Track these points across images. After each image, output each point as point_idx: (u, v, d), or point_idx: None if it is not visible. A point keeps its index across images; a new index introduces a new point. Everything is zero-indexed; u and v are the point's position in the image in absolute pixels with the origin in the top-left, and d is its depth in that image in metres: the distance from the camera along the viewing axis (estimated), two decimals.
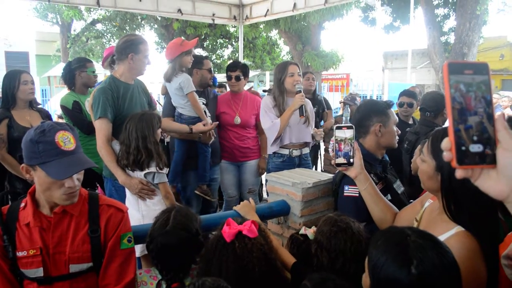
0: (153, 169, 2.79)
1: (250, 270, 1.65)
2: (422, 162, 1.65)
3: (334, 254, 1.71)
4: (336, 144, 2.08)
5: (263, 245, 1.75)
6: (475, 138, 0.82)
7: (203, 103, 3.90)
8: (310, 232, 2.09)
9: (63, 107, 3.79)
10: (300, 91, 3.52)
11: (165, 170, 2.86)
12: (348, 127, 2.08)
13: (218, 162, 4.15)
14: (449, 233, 1.48)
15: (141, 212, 2.86)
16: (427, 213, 1.76)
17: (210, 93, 4.13)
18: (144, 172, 2.80)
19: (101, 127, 2.92)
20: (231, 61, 23.27)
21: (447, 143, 0.84)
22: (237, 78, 4.06)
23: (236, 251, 1.69)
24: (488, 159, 0.82)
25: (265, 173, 3.99)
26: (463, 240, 1.43)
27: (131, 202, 2.88)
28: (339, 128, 2.08)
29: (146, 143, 2.78)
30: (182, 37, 4.02)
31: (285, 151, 3.67)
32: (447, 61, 0.85)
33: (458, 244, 1.42)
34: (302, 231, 2.11)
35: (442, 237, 1.47)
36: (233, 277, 1.59)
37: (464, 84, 0.83)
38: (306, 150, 3.78)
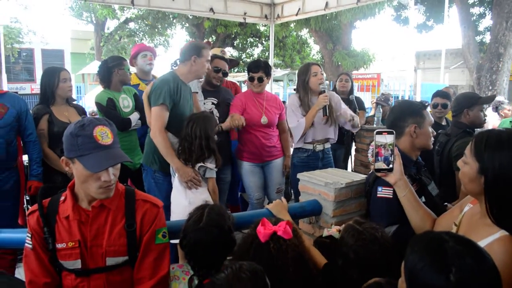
0: (209, 165, 3.06)
1: (284, 271, 1.66)
2: (464, 165, 1.60)
3: (363, 267, 1.69)
4: (376, 149, 2.05)
5: (297, 246, 1.75)
6: None
7: (213, 103, 3.91)
8: (334, 231, 2.07)
9: (97, 104, 3.88)
10: (324, 91, 3.69)
11: (216, 169, 3.11)
12: (389, 132, 2.05)
13: (229, 163, 4.09)
14: (492, 237, 1.45)
15: (188, 199, 3.04)
16: (467, 218, 1.71)
17: (224, 93, 4.09)
18: (199, 165, 3.03)
19: (160, 114, 3.08)
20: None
21: None
22: (260, 80, 3.95)
23: (270, 251, 1.70)
24: None
25: (290, 169, 4.09)
26: (507, 245, 1.40)
27: (179, 190, 3.10)
28: (379, 133, 2.05)
29: (209, 142, 3.04)
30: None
31: (309, 146, 3.89)
32: None
33: (502, 248, 1.39)
34: (325, 234, 2.10)
35: (485, 241, 1.44)
36: (267, 276, 1.59)
37: None
38: (328, 145, 4.01)
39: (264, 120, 3.95)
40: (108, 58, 4.16)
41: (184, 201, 3.04)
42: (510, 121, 6.04)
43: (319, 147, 3.89)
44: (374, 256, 1.68)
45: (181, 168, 3.02)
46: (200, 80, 3.93)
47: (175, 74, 3.25)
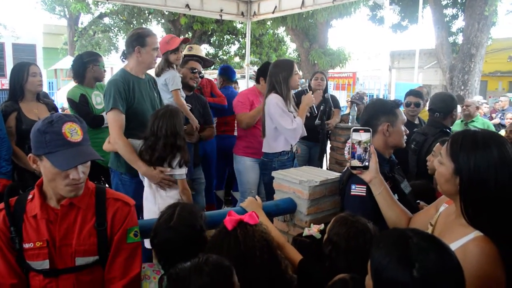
0: (177, 171, 2.85)
1: (252, 256, 1.65)
2: (440, 165, 1.62)
3: (352, 256, 1.70)
4: (352, 147, 2.07)
5: (264, 233, 1.75)
6: None
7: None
8: (314, 231, 2.07)
9: (69, 100, 3.80)
10: (307, 90, 3.69)
11: (185, 170, 2.89)
12: (365, 130, 2.07)
13: (199, 163, 4.04)
14: (467, 238, 1.46)
15: (157, 205, 2.86)
16: (442, 218, 1.73)
17: (197, 99, 4.07)
18: (168, 173, 2.84)
19: (115, 118, 2.90)
20: (237, 57, 23.37)
21: None
22: None
23: (238, 238, 1.70)
24: None
25: (268, 173, 3.97)
26: (482, 245, 1.41)
27: (148, 195, 2.92)
28: (356, 130, 2.07)
29: (176, 139, 2.81)
30: (173, 35, 3.98)
31: (289, 148, 3.73)
32: None
33: (477, 249, 1.40)
34: (306, 233, 2.10)
35: (459, 242, 1.46)
36: (233, 263, 1.58)
37: None
38: None
39: None
40: (84, 53, 4.09)
41: (153, 208, 2.87)
42: (461, 120, 6.25)
43: (294, 148, 3.81)
44: (365, 246, 1.69)
45: (147, 172, 2.84)
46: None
47: (125, 71, 3.06)
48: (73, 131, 1.66)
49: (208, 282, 1.38)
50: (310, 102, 3.66)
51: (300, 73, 3.73)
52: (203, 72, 4.23)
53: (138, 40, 3.01)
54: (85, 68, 3.85)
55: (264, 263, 1.68)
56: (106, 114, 2.97)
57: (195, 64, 4.04)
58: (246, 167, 4.12)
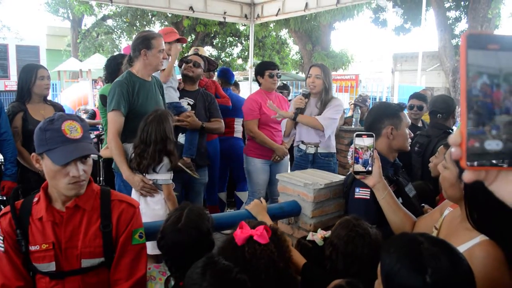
0: (161, 176, 2.83)
1: (256, 276, 1.64)
2: (444, 169, 1.62)
3: (350, 259, 1.70)
4: (355, 152, 2.07)
5: (273, 252, 1.73)
6: (493, 132, 0.67)
7: (189, 104, 3.87)
8: (318, 238, 2.07)
9: (103, 97, 3.79)
10: (303, 94, 3.69)
11: (170, 175, 2.87)
12: (368, 135, 2.07)
13: (206, 164, 4.00)
14: (472, 242, 1.46)
15: (141, 210, 2.83)
16: (447, 221, 1.73)
17: (204, 95, 4.04)
18: (152, 179, 2.83)
19: (114, 120, 2.93)
20: (240, 59, 23.35)
21: (456, 137, 0.68)
22: (278, 76, 4.24)
23: (245, 256, 1.69)
24: (508, 159, 0.68)
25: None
26: (488, 249, 1.41)
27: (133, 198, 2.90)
28: (359, 135, 2.07)
29: (166, 144, 2.80)
30: (174, 29, 3.98)
31: (303, 147, 3.80)
32: (467, 32, 0.68)
33: (483, 253, 1.40)
34: (309, 237, 2.10)
35: (465, 246, 1.46)
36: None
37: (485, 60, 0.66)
38: (324, 150, 3.78)
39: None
40: (117, 55, 4.24)
41: None
42: None
43: (310, 150, 3.75)
44: (363, 250, 1.69)
45: (129, 177, 2.86)
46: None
47: (131, 73, 3.08)
48: (73, 129, 1.67)
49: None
50: (296, 105, 3.70)
51: (325, 80, 3.71)
52: (202, 67, 4.21)
53: (144, 43, 3.03)
54: (119, 68, 3.90)
55: (268, 283, 1.67)
56: (107, 114, 2.99)
57: (191, 56, 4.07)
58: (256, 169, 4.16)
